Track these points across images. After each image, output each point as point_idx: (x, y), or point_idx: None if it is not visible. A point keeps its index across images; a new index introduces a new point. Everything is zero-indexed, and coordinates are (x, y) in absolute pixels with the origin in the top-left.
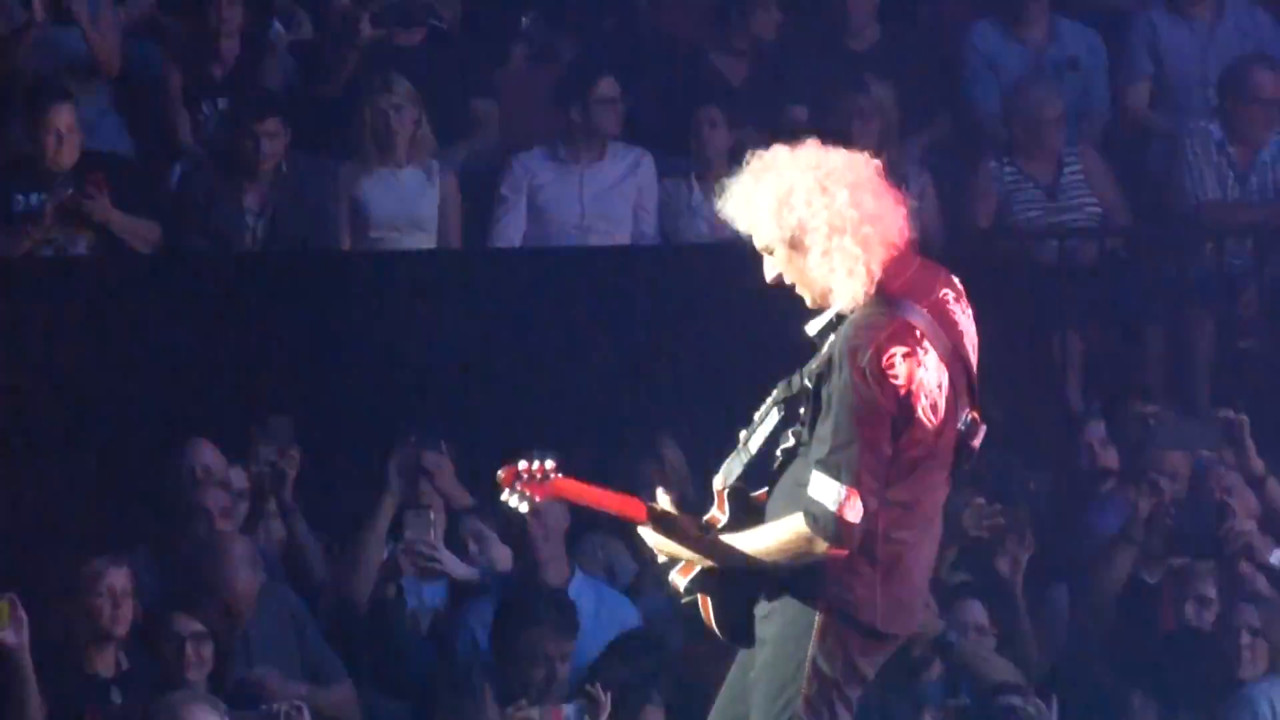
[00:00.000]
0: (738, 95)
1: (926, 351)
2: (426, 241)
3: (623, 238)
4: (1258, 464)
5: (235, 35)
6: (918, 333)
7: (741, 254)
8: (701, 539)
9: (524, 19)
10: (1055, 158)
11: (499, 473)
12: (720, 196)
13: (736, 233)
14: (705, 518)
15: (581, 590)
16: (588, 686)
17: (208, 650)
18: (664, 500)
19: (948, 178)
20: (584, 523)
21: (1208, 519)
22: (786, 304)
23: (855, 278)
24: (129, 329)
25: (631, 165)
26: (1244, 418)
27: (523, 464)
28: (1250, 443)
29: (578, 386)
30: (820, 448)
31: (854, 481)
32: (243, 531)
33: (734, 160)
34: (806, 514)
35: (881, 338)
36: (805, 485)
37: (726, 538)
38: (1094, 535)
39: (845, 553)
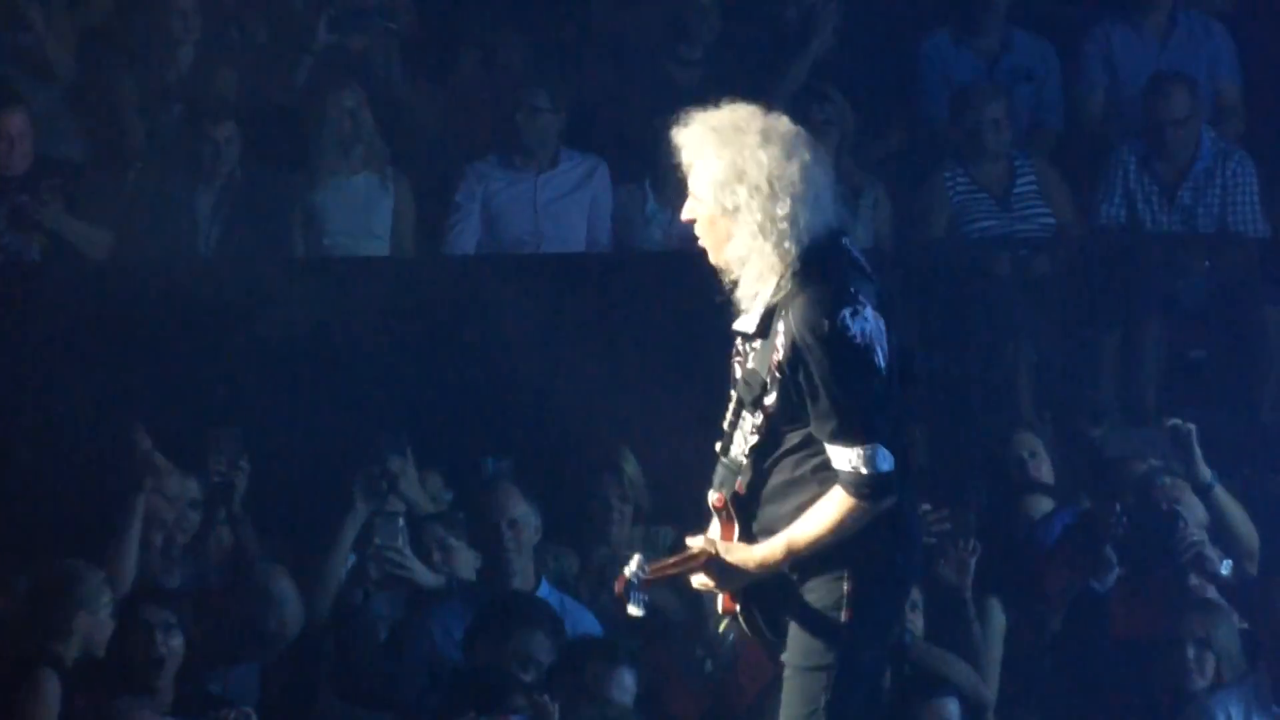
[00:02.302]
0: (693, 104)
1: (864, 305)
2: (380, 248)
3: (577, 245)
4: (1205, 472)
5: (190, 40)
6: (852, 290)
7: (696, 263)
8: (764, 554)
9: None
10: (1007, 168)
11: (615, 587)
12: (682, 123)
13: (690, 241)
14: (720, 534)
15: (545, 600)
16: (535, 695)
17: (177, 641)
18: (713, 497)
19: (901, 188)
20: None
21: (1158, 528)
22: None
23: (761, 280)
24: (81, 336)
25: (586, 173)
26: (1192, 426)
27: (627, 570)
28: (1198, 451)
29: (533, 395)
30: (827, 424)
31: (869, 436)
32: (195, 540)
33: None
34: (844, 486)
35: (828, 307)
36: (797, 477)
37: (775, 540)
38: (1037, 546)
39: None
